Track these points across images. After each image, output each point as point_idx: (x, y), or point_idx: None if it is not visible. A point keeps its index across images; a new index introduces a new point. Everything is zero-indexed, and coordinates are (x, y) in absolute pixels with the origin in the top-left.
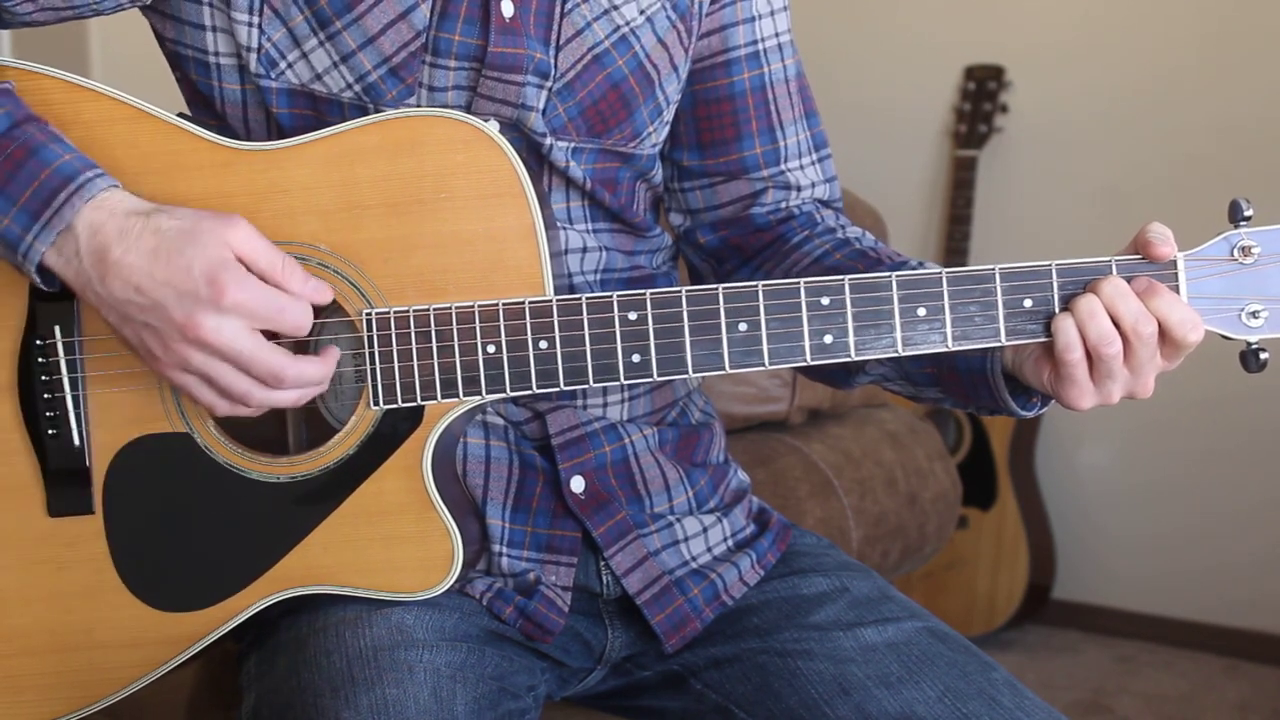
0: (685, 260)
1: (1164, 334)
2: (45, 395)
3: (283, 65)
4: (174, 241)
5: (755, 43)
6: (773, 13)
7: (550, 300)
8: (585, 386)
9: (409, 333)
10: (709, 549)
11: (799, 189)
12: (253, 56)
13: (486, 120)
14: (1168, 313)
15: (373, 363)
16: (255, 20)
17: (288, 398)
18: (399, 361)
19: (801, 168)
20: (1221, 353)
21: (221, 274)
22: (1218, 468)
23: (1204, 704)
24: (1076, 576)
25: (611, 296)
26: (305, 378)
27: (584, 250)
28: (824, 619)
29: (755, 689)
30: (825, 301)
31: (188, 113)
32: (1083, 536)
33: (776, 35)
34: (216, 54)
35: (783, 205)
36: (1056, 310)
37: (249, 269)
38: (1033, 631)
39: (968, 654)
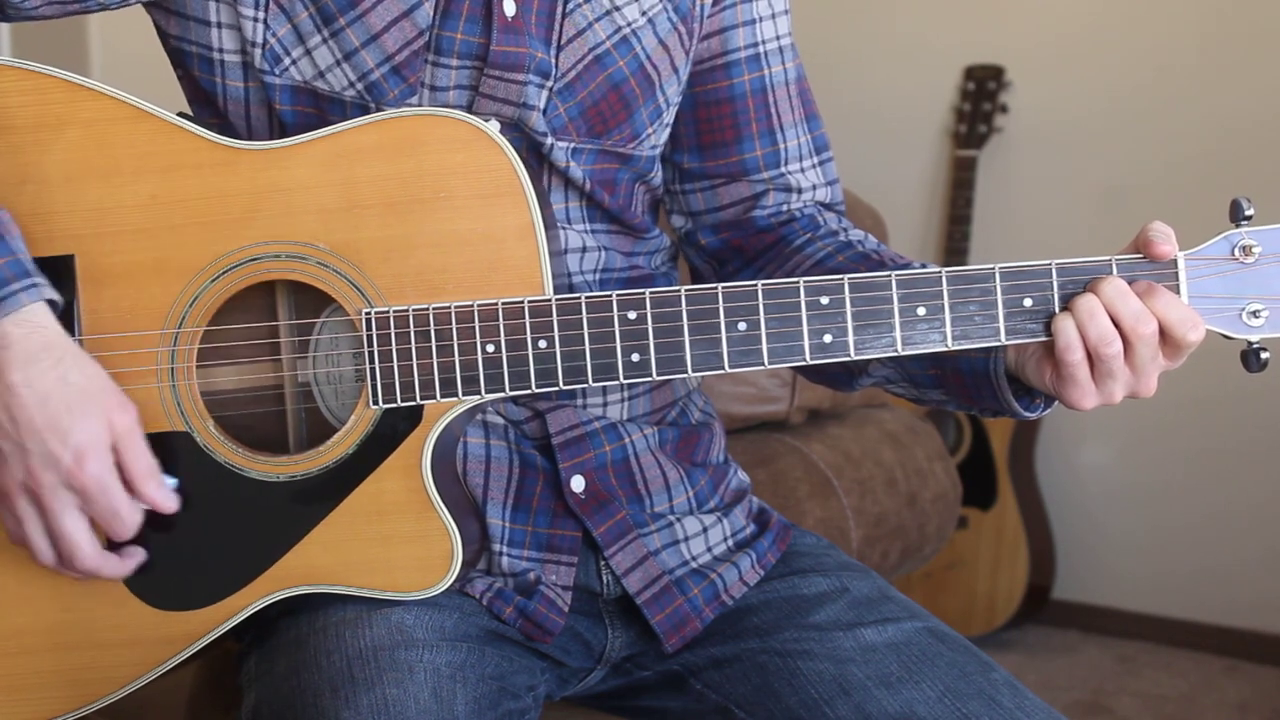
0: (687, 262)
1: (1164, 334)
2: None
3: (286, 62)
4: (69, 400)
5: (756, 45)
6: (774, 16)
7: (549, 300)
8: (585, 386)
9: (408, 332)
10: (709, 549)
11: (800, 191)
12: (257, 52)
13: (487, 120)
14: (1167, 312)
15: (372, 362)
16: (261, 15)
17: (68, 574)
18: (398, 361)
19: (802, 170)
20: (1222, 352)
21: (89, 455)
22: (1218, 468)
23: (1204, 704)
24: (1076, 576)
25: (611, 296)
26: (93, 570)
27: (583, 250)
28: (824, 619)
29: (755, 689)
30: (824, 301)
31: (188, 112)
32: (1083, 536)
33: (778, 38)
34: (221, 50)
35: (784, 207)
36: (1057, 310)
37: (118, 454)
38: (1033, 631)
39: (968, 654)
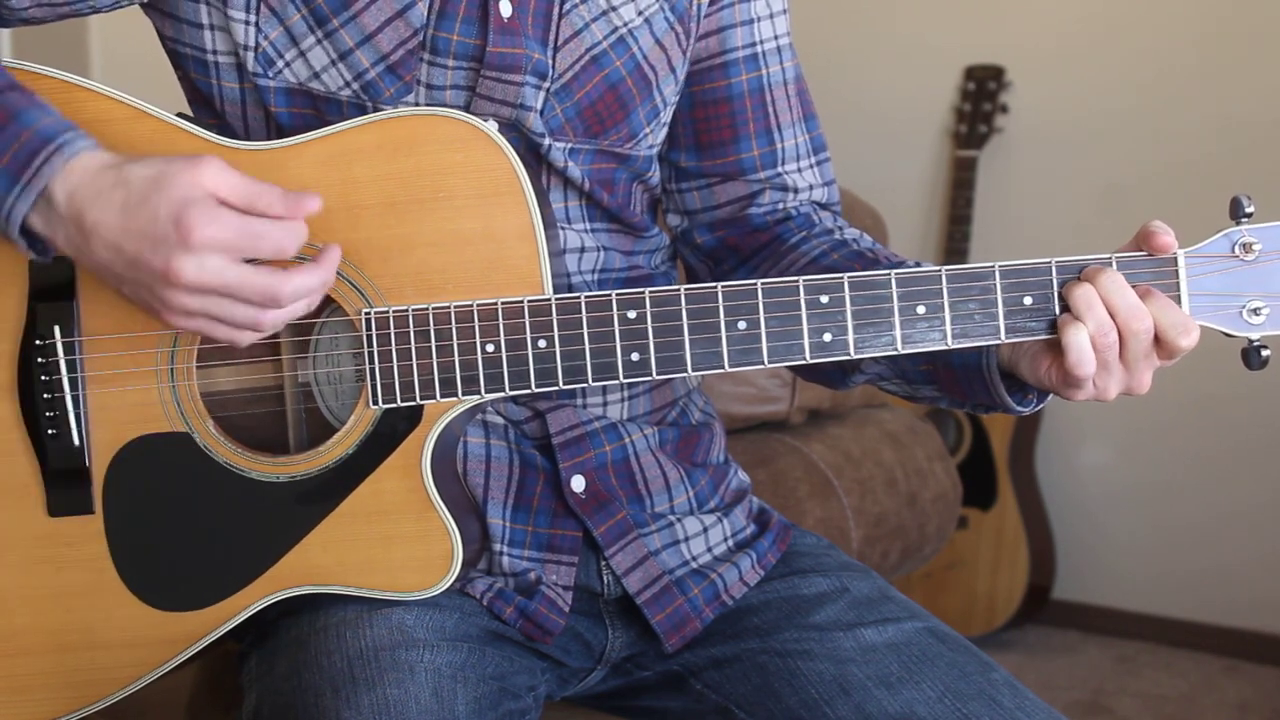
0: (682, 260)
1: (1157, 337)
2: (45, 395)
3: (280, 64)
4: (140, 191)
5: (754, 45)
6: (772, 15)
7: (549, 299)
8: (584, 386)
9: (408, 332)
10: (709, 549)
11: (796, 191)
12: (250, 55)
13: (485, 120)
14: (1161, 315)
15: (372, 362)
16: (252, 19)
17: (297, 309)
18: (398, 361)
19: (799, 170)
20: (1222, 351)
21: (187, 214)
22: (1218, 468)
23: (1204, 704)
24: (1076, 576)
25: (610, 295)
26: (302, 288)
27: (582, 250)
28: (824, 619)
29: (755, 689)
30: (824, 300)
31: (188, 113)
32: (1083, 536)
33: (776, 38)
34: (214, 52)
35: (780, 206)
36: (1057, 308)
37: (224, 203)
38: (1033, 631)
39: (968, 654)
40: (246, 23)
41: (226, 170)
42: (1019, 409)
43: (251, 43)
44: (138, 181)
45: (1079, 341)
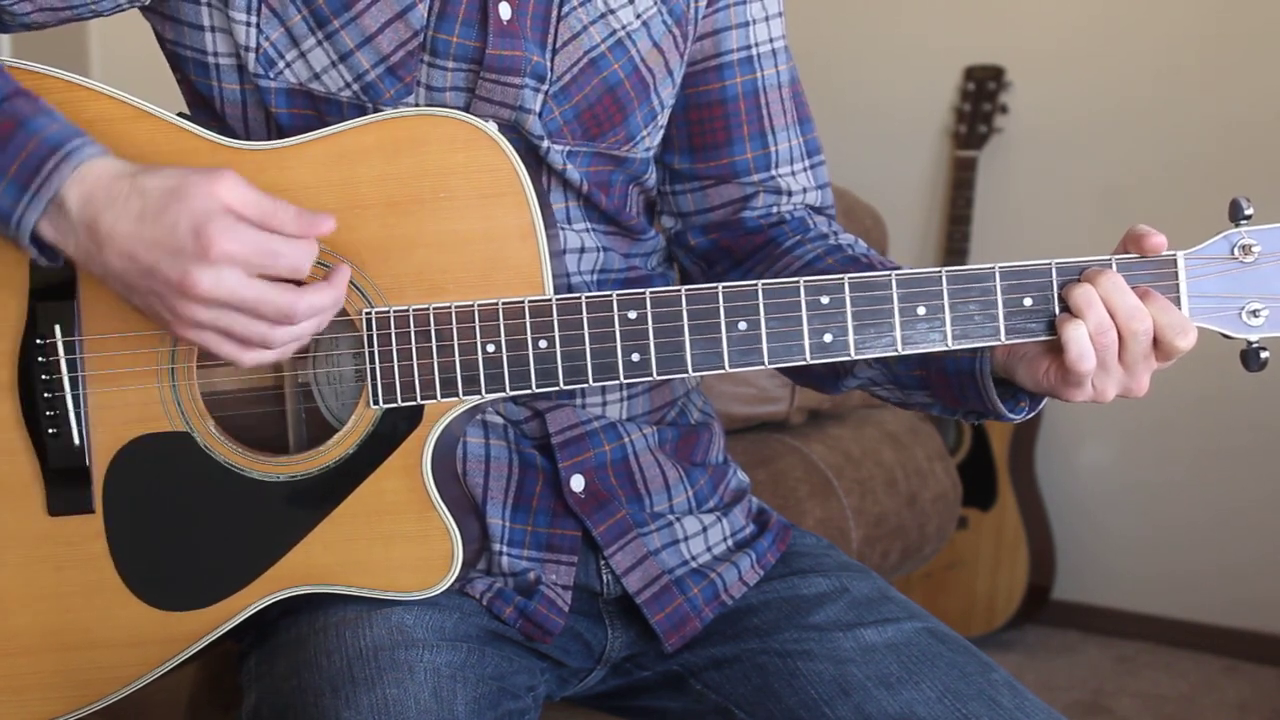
0: (676, 262)
1: (1155, 337)
2: (45, 395)
3: (281, 65)
4: (159, 201)
5: (749, 48)
6: (767, 18)
7: (550, 299)
8: (584, 386)
9: (409, 332)
10: (709, 548)
11: (790, 194)
12: (251, 56)
13: (485, 121)
14: (1159, 315)
15: (372, 362)
16: (253, 20)
17: (307, 329)
18: (399, 361)
19: (793, 174)
20: (1222, 352)
21: (207, 227)
22: (1218, 468)
23: (1204, 704)
24: (1076, 576)
25: (611, 296)
26: (316, 306)
27: (581, 250)
28: (824, 619)
29: (755, 689)
30: (825, 300)
31: (188, 113)
32: (1083, 536)
33: (770, 41)
34: (215, 54)
35: (774, 210)
36: (1056, 309)
37: (241, 218)
38: (1033, 631)
39: (967, 654)
40: (248, 24)
41: (243, 185)
42: (1010, 416)
43: (253, 44)
44: (155, 191)
45: (1079, 335)
